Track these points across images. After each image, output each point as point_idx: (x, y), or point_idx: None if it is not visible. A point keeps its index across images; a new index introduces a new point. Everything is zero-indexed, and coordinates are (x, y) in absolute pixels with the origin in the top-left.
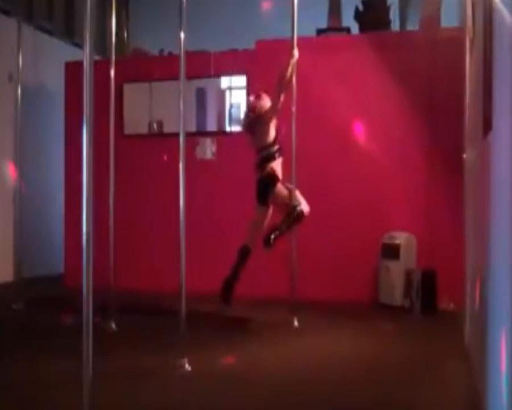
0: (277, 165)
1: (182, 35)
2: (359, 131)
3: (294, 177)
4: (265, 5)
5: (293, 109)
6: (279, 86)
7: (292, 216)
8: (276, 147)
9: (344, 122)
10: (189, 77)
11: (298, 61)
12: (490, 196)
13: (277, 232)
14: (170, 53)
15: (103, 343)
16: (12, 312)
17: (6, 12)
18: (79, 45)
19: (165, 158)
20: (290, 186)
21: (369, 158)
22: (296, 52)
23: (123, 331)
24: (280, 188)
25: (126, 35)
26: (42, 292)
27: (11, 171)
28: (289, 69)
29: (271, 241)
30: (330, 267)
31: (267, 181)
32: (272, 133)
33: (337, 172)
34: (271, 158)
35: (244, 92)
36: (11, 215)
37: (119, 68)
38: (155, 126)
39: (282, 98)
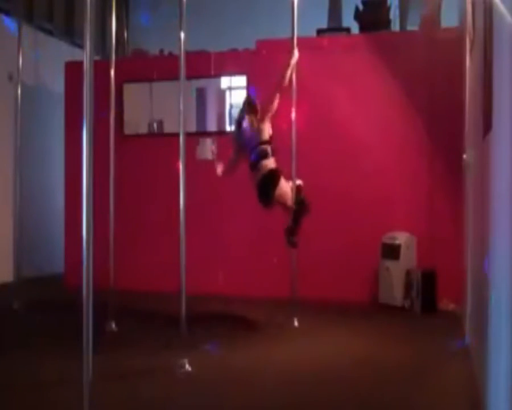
0: (272, 163)
1: (182, 35)
2: (359, 131)
3: (294, 178)
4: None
5: (293, 109)
6: (277, 85)
7: (300, 210)
8: (271, 145)
9: (344, 122)
10: (189, 77)
11: (298, 62)
12: (490, 195)
13: (293, 232)
14: (170, 53)
15: (103, 343)
16: (12, 312)
17: (6, 12)
18: (79, 45)
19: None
20: (298, 182)
21: (369, 157)
22: (296, 52)
23: (123, 331)
24: (284, 184)
25: (126, 35)
26: (42, 293)
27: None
28: (289, 70)
29: (294, 242)
30: (330, 267)
31: (269, 180)
32: (267, 131)
33: (337, 172)
34: (268, 155)
35: (244, 92)
36: (11, 215)
37: (119, 68)
38: (155, 126)
39: (278, 98)
